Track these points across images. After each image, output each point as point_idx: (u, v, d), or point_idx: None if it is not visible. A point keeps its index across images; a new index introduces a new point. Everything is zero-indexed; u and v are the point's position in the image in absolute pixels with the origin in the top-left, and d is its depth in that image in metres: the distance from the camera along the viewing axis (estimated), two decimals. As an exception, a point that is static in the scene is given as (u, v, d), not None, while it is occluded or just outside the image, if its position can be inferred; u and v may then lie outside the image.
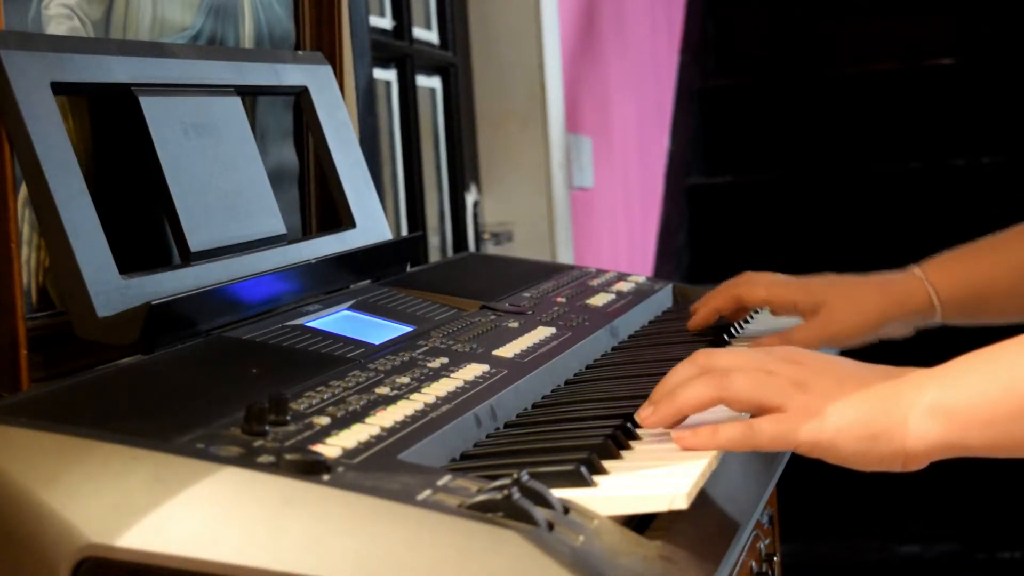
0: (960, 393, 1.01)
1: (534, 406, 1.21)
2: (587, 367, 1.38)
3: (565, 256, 2.89)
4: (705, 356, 1.08)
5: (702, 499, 0.96)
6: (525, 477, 0.85)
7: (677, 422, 1.05)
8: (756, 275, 1.54)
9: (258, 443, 0.88)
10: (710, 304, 1.52)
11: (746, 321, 1.59)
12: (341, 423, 0.97)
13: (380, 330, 1.28)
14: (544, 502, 0.84)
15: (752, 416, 1.04)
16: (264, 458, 0.85)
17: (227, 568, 0.80)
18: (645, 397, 1.15)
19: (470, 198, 2.83)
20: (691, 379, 1.05)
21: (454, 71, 2.76)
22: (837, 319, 1.46)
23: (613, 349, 1.47)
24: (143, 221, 1.32)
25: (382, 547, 0.79)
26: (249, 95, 1.51)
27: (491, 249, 2.84)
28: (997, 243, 1.49)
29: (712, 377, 1.04)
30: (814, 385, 1.04)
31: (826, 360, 1.08)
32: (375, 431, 0.97)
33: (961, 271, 1.48)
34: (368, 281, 1.48)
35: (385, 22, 2.48)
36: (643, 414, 1.06)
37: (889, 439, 1.01)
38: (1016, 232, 1.49)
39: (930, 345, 1.69)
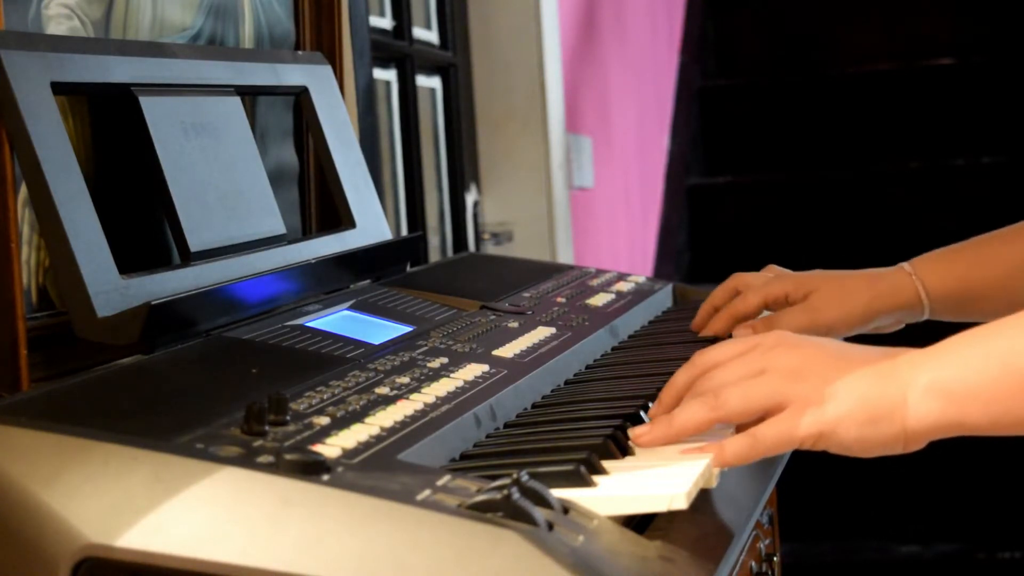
0: (958, 371, 1.01)
1: (534, 406, 1.21)
2: (587, 367, 1.37)
3: (565, 256, 2.89)
4: (700, 360, 1.08)
5: (702, 499, 0.96)
6: (525, 477, 0.85)
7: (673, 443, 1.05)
8: (748, 281, 1.51)
9: (258, 443, 0.88)
10: (712, 327, 1.50)
11: None
12: (341, 423, 0.97)
13: (380, 330, 1.28)
14: (544, 502, 0.84)
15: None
16: (264, 458, 0.85)
17: (227, 568, 0.80)
18: (645, 397, 1.15)
19: (470, 198, 2.83)
20: (688, 402, 1.05)
21: (454, 71, 2.76)
22: (824, 308, 1.45)
23: (613, 349, 1.47)
24: (143, 221, 1.32)
25: (382, 547, 0.79)
26: (249, 95, 1.51)
27: (491, 249, 2.84)
28: (986, 241, 1.49)
29: (705, 399, 1.04)
30: (809, 369, 1.03)
31: (819, 342, 1.08)
32: (375, 431, 0.97)
33: (951, 268, 1.48)
34: (368, 281, 1.48)
35: (385, 22, 2.48)
36: (637, 431, 1.05)
37: (890, 422, 1.01)
38: (1006, 231, 1.49)
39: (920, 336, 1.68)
